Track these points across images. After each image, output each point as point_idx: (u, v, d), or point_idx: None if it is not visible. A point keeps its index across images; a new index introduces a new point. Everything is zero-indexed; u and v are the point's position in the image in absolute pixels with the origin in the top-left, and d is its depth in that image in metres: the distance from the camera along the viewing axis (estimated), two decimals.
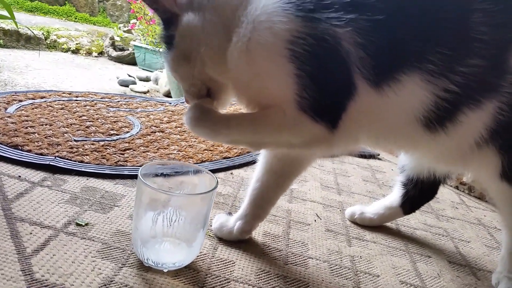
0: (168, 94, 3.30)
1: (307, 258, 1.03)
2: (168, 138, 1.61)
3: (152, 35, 4.16)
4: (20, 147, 1.25)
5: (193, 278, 0.85)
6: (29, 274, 0.75)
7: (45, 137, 1.36)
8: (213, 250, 0.97)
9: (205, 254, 0.94)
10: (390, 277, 1.03)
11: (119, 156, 1.34)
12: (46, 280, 0.74)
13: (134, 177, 1.23)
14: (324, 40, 0.74)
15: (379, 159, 2.05)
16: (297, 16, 0.74)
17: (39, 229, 0.89)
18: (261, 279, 0.90)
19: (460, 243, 1.31)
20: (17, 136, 1.32)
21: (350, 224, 1.27)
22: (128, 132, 1.59)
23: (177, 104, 2.17)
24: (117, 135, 1.53)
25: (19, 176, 1.10)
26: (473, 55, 0.77)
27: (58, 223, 0.93)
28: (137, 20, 4.51)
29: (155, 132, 1.64)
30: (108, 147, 1.39)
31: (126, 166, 1.29)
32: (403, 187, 1.22)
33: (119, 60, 4.56)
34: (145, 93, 3.36)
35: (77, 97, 1.93)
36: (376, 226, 1.27)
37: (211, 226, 1.04)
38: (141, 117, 1.82)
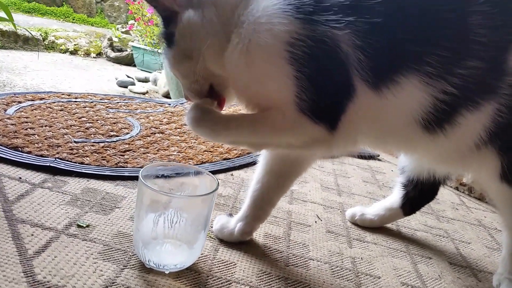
0: (167, 95, 3.29)
1: (308, 259, 1.03)
2: (168, 139, 1.60)
3: (151, 36, 4.16)
4: (20, 148, 1.25)
5: (195, 279, 0.85)
6: (31, 276, 0.75)
7: (45, 139, 1.36)
8: (214, 251, 0.97)
9: (206, 256, 0.94)
10: (391, 278, 1.03)
11: (119, 158, 1.34)
12: (48, 281, 0.74)
13: (135, 178, 1.23)
14: (323, 42, 0.74)
15: (379, 160, 2.05)
16: (297, 18, 0.74)
17: (41, 230, 0.89)
18: (262, 281, 0.90)
19: (460, 244, 1.31)
20: (17, 137, 1.32)
21: (351, 225, 1.27)
22: (128, 133, 1.59)
23: (176, 105, 2.17)
24: (117, 136, 1.53)
25: (20, 178, 1.09)
26: (472, 57, 0.78)
27: (59, 224, 0.93)
28: (135, 21, 4.50)
29: (155, 133, 1.64)
30: (108, 148, 1.39)
31: (127, 167, 1.28)
32: (403, 188, 1.23)
33: (118, 61, 4.56)
34: (144, 94, 3.36)
35: (76, 98, 1.93)
36: (377, 227, 1.28)
37: (212, 227, 1.04)
38: (140, 118, 1.82)
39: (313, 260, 1.03)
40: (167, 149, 1.50)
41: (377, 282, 1.00)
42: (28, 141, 1.31)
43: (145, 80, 3.82)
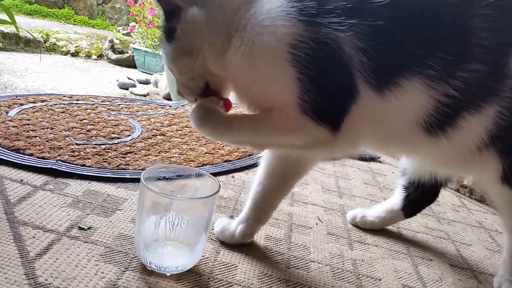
0: (168, 97, 3.30)
1: (309, 261, 1.03)
2: (169, 142, 1.61)
3: (152, 38, 4.17)
4: (21, 150, 1.25)
5: (196, 282, 0.85)
6: (32, 278, 0.75)
7: (47, 141, 1.36)
8: (215, 253, 0.97)
9: (207, 258, 0.94)
10: (392, 280, 1.03)
11: (120, 160, 1.34)
12: (49, 284, 0.74)
13: (136, 180, 1.23)
14: (326, 44, 0.75)
15: (379, 162, 2.06)
16: (300, 21, 0.74)
17: (42, 232, 0.89)
18: (264, 283, 0.90)
19: (461, 246, 1.31)
20: (19, 140, 1.33)
21: (352, 227, 1.27)
22: (129, 135, 1.59)
23: (177, 107, 2.17)
24: (118, 138, 1.53)
25: (21, 180, 1.10)
26: (473, 60, 0.78)
27: (60, 227, 0.93)
28: (136, 23, 4.52)
29: (156, 136, 1.64)
30: (109, 150, 1.39)
31: (128, 169, 1.29)
32: (404, 190, 1.23)
33: (119, 63, 4.57)
34: (145, 95, 3.37)
35: (78, 100, 1.93)
36: (378, 229, 1.28)
37: (213, 229, 1.04)
38: (142, 120, 1.82)
39: (314, 262, 1.03)
40: (168, 151, 1.51)
41: (378, 284, 1.00)
42: (29, 143, 1.31)
43: (146, 82, 3.83)
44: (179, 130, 1.77)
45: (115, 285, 0.78)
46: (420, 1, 0.78)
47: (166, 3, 0.85)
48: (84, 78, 3.50)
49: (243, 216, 1.03)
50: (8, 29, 4.03)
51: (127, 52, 4.64)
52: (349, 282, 0.98)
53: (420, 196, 1.21)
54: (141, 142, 1.54)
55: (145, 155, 1.42)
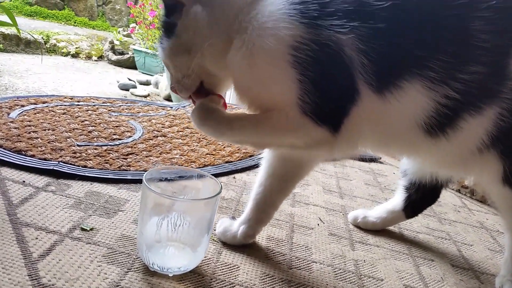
0: (168, 98, 3.30)
1: (311, 262, 1.03)
2: (170, 143, 1.61)
3: (152, 39, 4.17)
4: (23, 152, 1.25)
5: (198, 282, 0.85)
6: (36, 279, 0.75)
7: (48, 142, 1.36)
8: (217, 254, 0.97)
9: (209, 259, 0.94)
10: (394, 281, 1.03)
11: (122, 161, 1.34)
12: (53, 285, 0.75)
13: (138, 181, 1.23)
14: (327, 46, 0.75)
15: (380, 162, 2.06)
16: (302, 23, 0.75)
17: (45, 234, 0.89)
18: (266, 284, 0.90)
19: (463, 247, 1.31)
20: (20, 141, 1.33)
21: (353, 228, 1.28)
22: (130, 136, 1.59)
23: (178, 108, 2.17)
24: (120, 139, 1.54)
25: (24, 181, 1.10)
26: (474, 62, 0.78)
27: (63, 228, 0.93)
28: (136, 25, 4.52)
29: (157, 137, 1.65)
30: (111, 151, 1.40)
31: (129, 170, 1.29)
32: (406, 191, 1.23)
33: (119, 64, 4.57)
34: (145, 97, 3.37)
35: (79, 101, 1.94)
36: (379, 230, 1.28)
37: (215, 230, 1.04)
38: (143, 121, 1.82)
39: (316, 262, 1.03)
40: (169, 152, 1.51)
41: (380, 284, 1.00)
42: (31, 144, 1.32)
43: (147, 83, 3.83)
44: (180, 131, 1.77)
45: (118, 285, 0.78)
46: (421, 4, 0.78)
47: None
48: (85, 79, 3.51)
49: (245, 217, 1.03)
50: (9, 30, 4.04)
51: (128, 53, 4.65)
52: (351, 283, 0.98)
53: (421, 196, 1.21)
54: (142, 143, 1.54)
55: (146, 156, 1.43)
